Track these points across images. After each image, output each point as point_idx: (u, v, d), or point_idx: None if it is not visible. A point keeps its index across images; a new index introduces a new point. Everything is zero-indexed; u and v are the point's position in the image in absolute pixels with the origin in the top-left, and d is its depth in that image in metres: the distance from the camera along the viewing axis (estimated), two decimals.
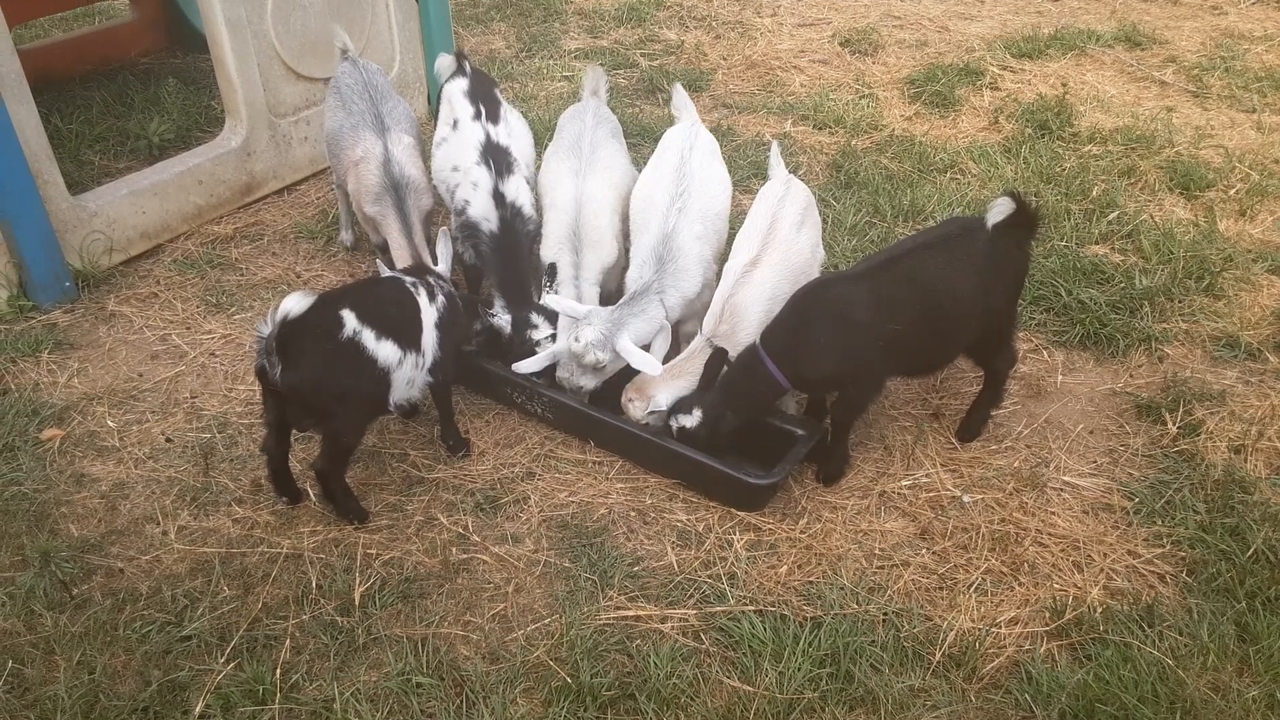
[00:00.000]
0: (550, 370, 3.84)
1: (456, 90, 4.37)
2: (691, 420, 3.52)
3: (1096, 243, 4.84)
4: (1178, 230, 4.87)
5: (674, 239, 3.76)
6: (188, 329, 4.44)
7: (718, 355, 3.55)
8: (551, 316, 3.93)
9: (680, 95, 4.48)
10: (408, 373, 3.40)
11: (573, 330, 3.66)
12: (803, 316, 3.47)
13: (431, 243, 4.13)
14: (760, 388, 3.50)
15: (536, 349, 3.86)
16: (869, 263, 3.58)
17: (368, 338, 3.22)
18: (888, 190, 5.27)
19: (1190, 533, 3.38)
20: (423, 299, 3.55)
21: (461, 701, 2.88)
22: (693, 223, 3.83)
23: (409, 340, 3.40)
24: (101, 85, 6.38)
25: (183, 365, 4.23)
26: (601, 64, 7.02)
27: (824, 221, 4.89)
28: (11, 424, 3.82)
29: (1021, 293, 3.83)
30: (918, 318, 3.44)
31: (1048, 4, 8.15)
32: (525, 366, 3.78)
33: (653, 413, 3.64)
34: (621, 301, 3.74)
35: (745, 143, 5.95)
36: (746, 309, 3.64)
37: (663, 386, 3.63)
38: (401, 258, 3.99)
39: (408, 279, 3.63)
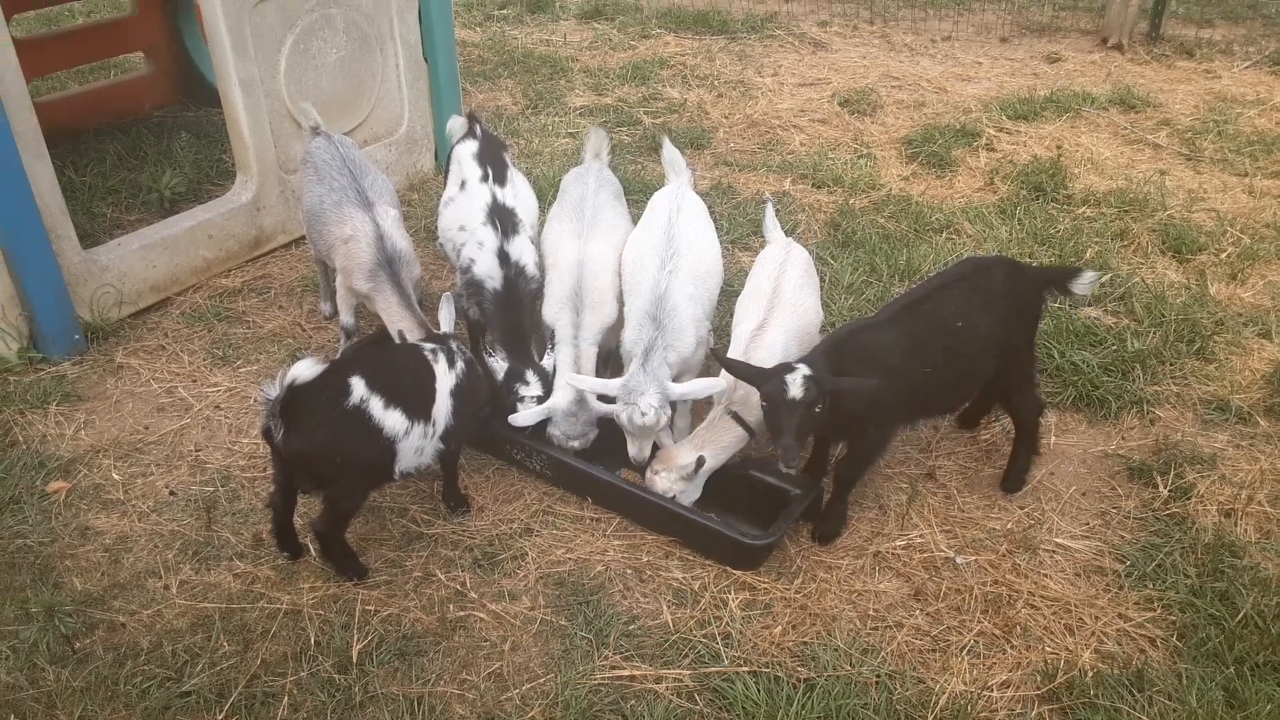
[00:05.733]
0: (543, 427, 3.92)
1: (466, 152, 4.48)
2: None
3: (1089, 305, 4.92)
4: (1169, 293, 4.95)
5: (667, 300, 3.84)
6: (194, 381, 4.52)
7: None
8: (545, 377, 4.00)
9: (670, 151, 4.58)
10: (415, 442, 3.42)
11: (627, 409, 3.66)
12: (838, 362, 3.51)
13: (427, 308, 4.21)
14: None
15: (519, 405, 3.92)
16: (893, 307, 3.69)
17: (375, 406, 3.26)
18: (884, 250, 5.37)
19: (1181, 597, 3.41)
20: (440, 366, 3.59)
21: None
22: (684, 283, 3.90)
23: (418, 410, 3.42)
24: (115, 138, 6.52)
25: (188, 418, 4.29)
26: (605, 121, 7.19)
27: (822, 280, 4.98)
28: (19, 477, 3.88)
29: (1036, 337, 3.95)
30: (941, 357, 3.56)
31: (1044, 66, 8.32)
32: (520, 420, 3.86)
33: (685, 480, 3.66)
34: (636, 365, 3.77)
35: (745, 200, 6.07)
36: None
37: (686, 454, 3.67)
38: (406, 329, 4.02)
39: (427, 346, 3.67)
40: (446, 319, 3.95)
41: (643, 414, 3.63)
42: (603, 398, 3.83)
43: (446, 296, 3.99)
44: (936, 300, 3.64)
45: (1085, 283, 3.74)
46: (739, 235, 5.66)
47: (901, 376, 3.49)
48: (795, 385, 3.27)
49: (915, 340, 3.54)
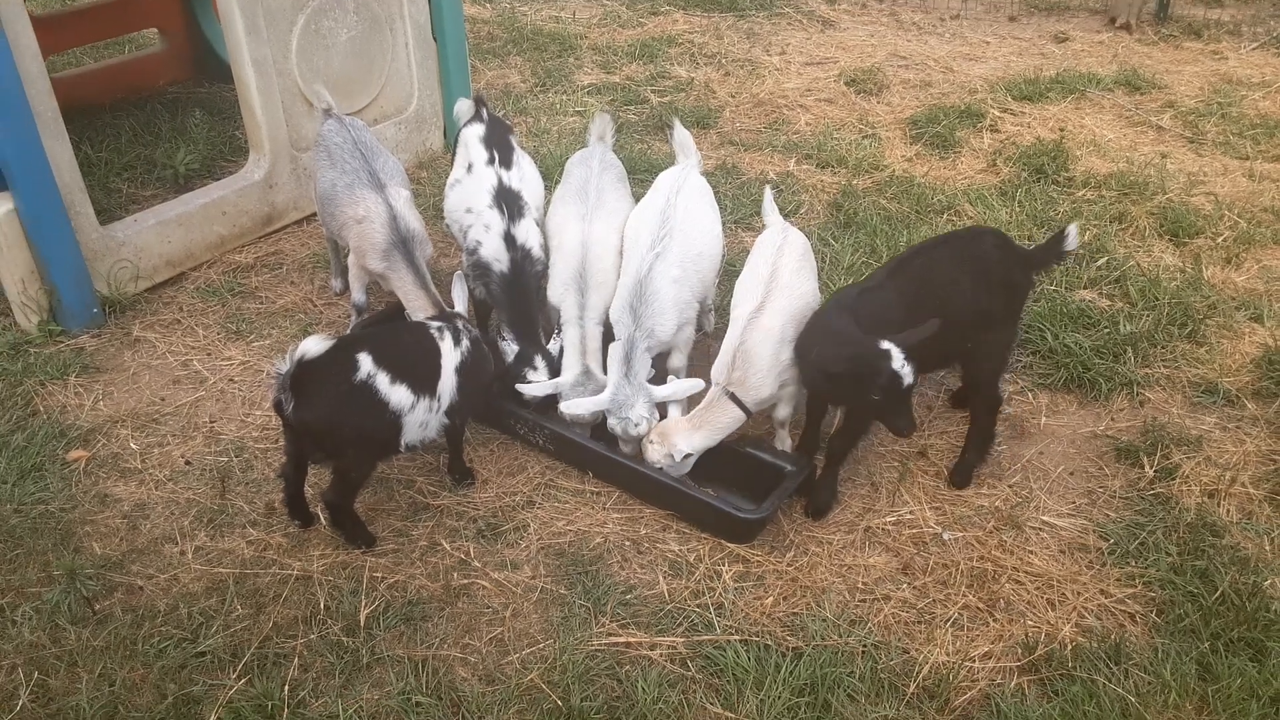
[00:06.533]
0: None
1: (473, 135, 4.57)
2: None
3: (1085, 288, 5.00)
4: (1164, 277, 5.03)
5: (649, 284, 3.94)
6: (208, 355, 4.65)
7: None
8: (553, 361, 4.13)
9: (680, 133, 4.67)
10: (420, 416, 3.56)
11: (621, 422, 3.83)
12: (845, 323, 3.66)
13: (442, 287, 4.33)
14: None
15: (526, 388, 4.09)
16: (887, 268, 3.86)
17: (382, 381, 3.39)
18: (885, 231, 5.44)
19: (1161, 574, 3.52)
20: (446, 343, 3.72)
21: None
22: (670, 266, 3.98)
23: (424, 385, 3.56)
24: (130, 114, 6.62)
25: (203, 390, 4.43)
26: (613, 99, 7.25)
27: (822, 262, 5.08)
28: (40, 445, 4.03)
29: (1018, 320, 4.06)
30: (935, 314, 3.65)
31: (1051, 46, 8.34)
32: (530, 390, 4.04)
33: (673, 458, 3.77)
34: (626, 366, 3.89)
35: (749, 180, 6.14)
36: (757, 354, 3.79)
37: (684, 435, 3.77)
38: (420, 306, 4.15)
39: (434, 324, 3.80)
40: (460, 297, 4.08)
41: (635, 425, 3.81)
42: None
43: (458, 275, 4.12)
44: (928, 259, 3.80)
45: (1072, 235, 3.85)
46: (742, 215, 5.74)
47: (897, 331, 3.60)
48: (908, 372, 3.42)
49: (911, 299, 3.68)
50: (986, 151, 6.45)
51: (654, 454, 3.78)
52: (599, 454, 3.94)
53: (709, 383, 3.88)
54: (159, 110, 6.74)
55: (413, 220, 4.34)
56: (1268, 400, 4.30)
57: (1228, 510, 3.79)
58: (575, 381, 4.07)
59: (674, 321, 4.01)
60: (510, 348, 4.18)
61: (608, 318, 4.20)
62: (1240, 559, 3.55)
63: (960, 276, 3.77)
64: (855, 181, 6.09)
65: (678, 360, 4.20)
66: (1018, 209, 5.69)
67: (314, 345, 3.19)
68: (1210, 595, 3.40)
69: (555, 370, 4.15)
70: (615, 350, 3.95)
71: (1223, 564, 3.51)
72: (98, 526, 3.73)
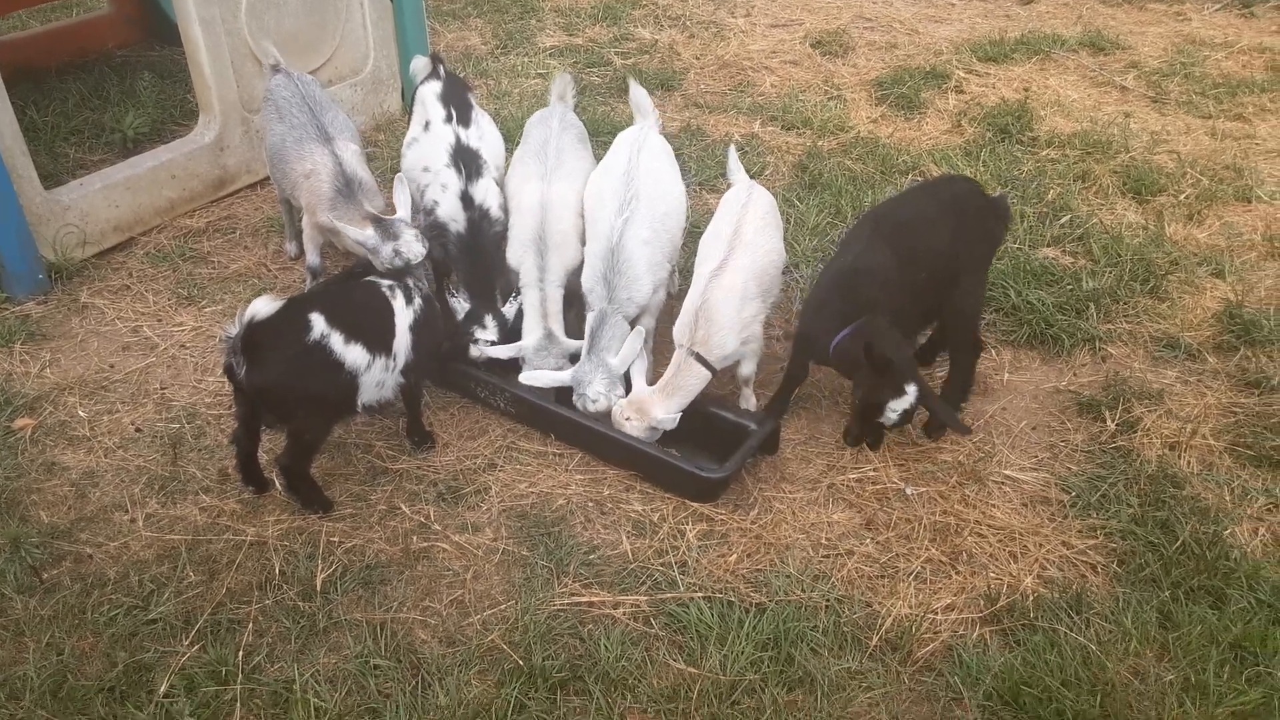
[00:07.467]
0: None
1: (430, 93, 4.47)
2: (911, 399, 3.55)
3: (1048, 245, 4.99)
4: (1127, 234, 5.03)
5: (621, 250, 3.89)
6: (159, 321, 4.54)
7: (880, 330, 3.62)
8: (503, 322, 4.08)
9: (637, 92, 4.58)
10: (377, 375, 3.49)
11: (579, 398, 3.83)
12: (851, 296, 3.74)
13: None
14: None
15: (473, 346, 4.05)
16: (866, 227, 3.89)
17: (335, 341, 3.31)
18: (850, 192, 5.40)
19: (1122, 525, 3.52)
20: (398, 302, 3.64)
21: (418, 683, 3.00)
22: (640, 228, 3.94)
23: (379, 344, 3.48)
24: (78, 77, 6.44)
25: (153, 357, 4.32)
26: (575, 62, 7.14)
27: (788, 222, 5.04)
28: None
29: (988, 267, 4.09)
30: (921, 261, 3.73)
31: (1017, 8, 8.30)
32: (493, 353, 4.00)
33: (656, 430, 3.75)
34: (591, 341, 3.88)
35: (714, 143, 6.07)
36: (718, 312, 3.75)
37: (660, 405, 3.74)
38: (357, 226, 3.90)
39: (385, 282, 3.71)
40: (402, 202, 3.99)
41: (593, 401, 3.80)
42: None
43: (399, 177, 4.05)
44: (903, 208, 3.86)
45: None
46: (707, 178, 5.68)
47: (898, 291, 3.66)
48: (905, 403, 3.53)
49: (901, 252, 3.70)
50: (951, 112, 6.42)
51: (634, 429, 3.73)
52: (561, 416, 3.89)
53: (673, 346, 3.84)
54: (107, 74, 6.56)
55: (361, 171, 4.23)
56: (1228, 354, 4.32)
57: (1188, 462, 3.81)
58: (538, 346, 4.01)
59: (649, 284, 3.96)
60: (461, 305, 4.09)
61: (567, 280, 4.14)
62: (1200, 509, 3.57)
63: (940, 224, 3.80)
64: (820, 143, 6.04)
65: (647, 322, 4.14)
66: (982, 169, 5.67)
67: (263, 306, 3.10)
68: (1171, 545, 3.41)
69: (505, 330, 4.09)
70: (591, 300, 3.95)
71: (1183, 514, 3.52)
72: (45, 495, 3.63)
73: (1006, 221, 4.05)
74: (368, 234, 3.81)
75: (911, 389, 3.51)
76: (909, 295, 3.73)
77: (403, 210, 3.97)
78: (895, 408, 3.54)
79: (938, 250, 3.76)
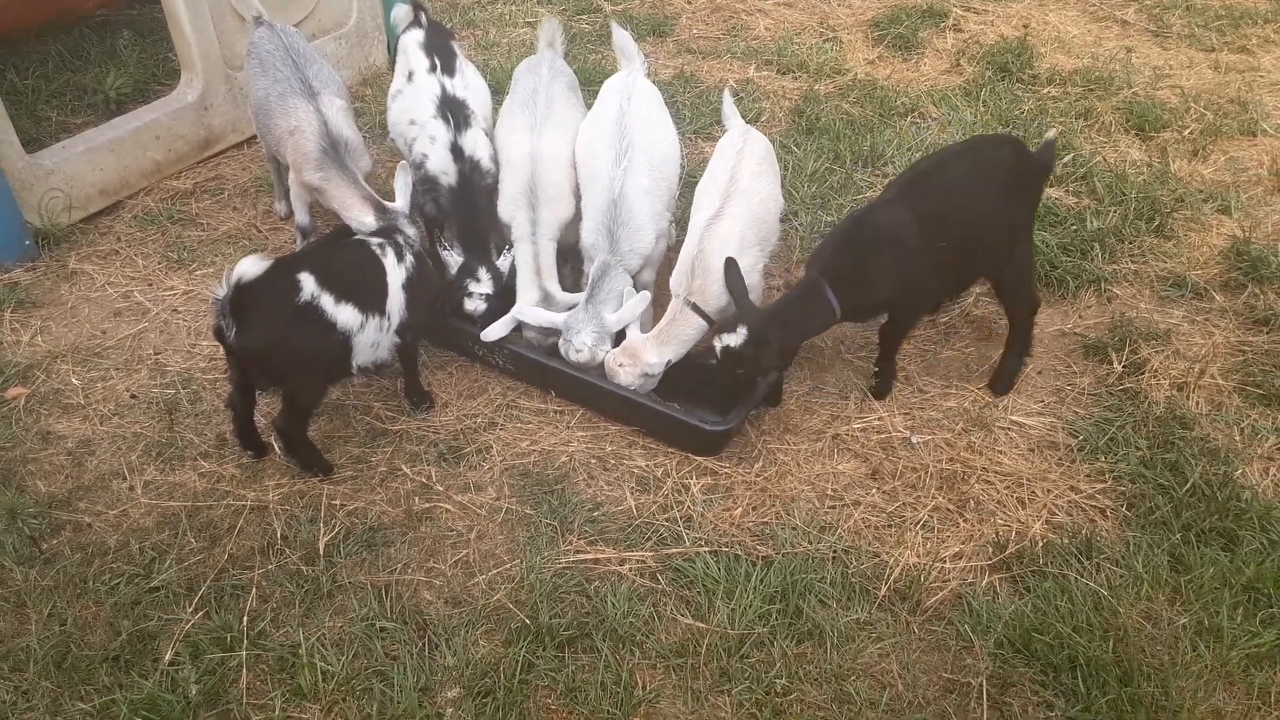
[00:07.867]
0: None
1: (412, 42, 4.34)
2: (736, 339, 3.44)
3: (1051, 186, 4.90)
4: (1131, 172, 4.94)
5: (623, 202, 3.80)
6: (150, 285, 4.46)
7: (734, 265, 3.53)
8: (498, 275, 3.98)
9: (619, 35, 4.44)
10: (371, 336, 3.42)
11: (564, 345, 3.74)
12: (852, 250, 3.55)
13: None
14: (817, 317, 3.55)
15: (468, 299, 3.95)
16: (899, 183, 3.67)
17: (326, 302, 3.24)
18: (848, 136, 5.30)
19: (1131, 468, 3.49)
20: (389, 260, 3.56)
21: (424, 644, 2.98)
22: (639, 177, 3.85)
23: (372, 304, 3.41)
24: (57, 39, 6.27)
25: (145, 322, 4.25)
26: (564, 9, 6.97)
27: (785, 168, 4.94)
28: None
29: (1033, 225, 3.92)
30: (954, 230, 3.55)
31: None
32: (492, 333, 3.85)
33: (648, 377, 3.70)
34: (590, 291, 3.79)
35: (709, 89, 5.94)
36: (715, 261, 3.69)
37: (653, 351, 3.68)
38: (360, 212, 3.89)
39: (374, 240, 3.63)
40: (402, 189, 3.90)
41: (576, 351, 3.71)
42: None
43: (401, 166, 3.94)
44: (944, 172, 3.62)
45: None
46: (702, 125, 5.57)
47: (917, 254, 3.49)
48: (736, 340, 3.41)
49: (925, 215, 3.51)
50: (950, 51, 6.28)
51: (626, 377, 3.67)
52: (561, 372, 3.83)
53: (670, 295, 3.77)
54: (87, 34, 6.39)
55: (346, 129, 4.12)
56: (1235, 291, 4.26)
57: (1197, 402, 3.76)
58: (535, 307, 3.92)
59: (651, 234, 3.89)
60: (454, 259, 4.01)
61: (561, 234, 4.05)
62: (1210, 450, 3.53)
63: (984, 190, 3.60)
64: (817, 86, 5.92)
65: (648, 274, 4.07)
66: (982, 109, 5.56)
67: (251, 266, 3.03)
68: (1181, 487, 3.38)
69: (501, 283, 4.01)
70: (593, 254, 3.86)
71: (1193, 455, 3.49)
72: (41, 465, 3.58)
73: (1048, 174, 3.86)
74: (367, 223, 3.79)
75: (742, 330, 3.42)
76: (927, 261, 3.54)
77: (402, 200, 3.88)
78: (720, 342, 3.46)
79: (969, 220, 3.58)
